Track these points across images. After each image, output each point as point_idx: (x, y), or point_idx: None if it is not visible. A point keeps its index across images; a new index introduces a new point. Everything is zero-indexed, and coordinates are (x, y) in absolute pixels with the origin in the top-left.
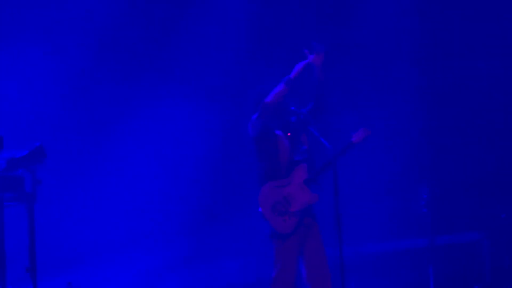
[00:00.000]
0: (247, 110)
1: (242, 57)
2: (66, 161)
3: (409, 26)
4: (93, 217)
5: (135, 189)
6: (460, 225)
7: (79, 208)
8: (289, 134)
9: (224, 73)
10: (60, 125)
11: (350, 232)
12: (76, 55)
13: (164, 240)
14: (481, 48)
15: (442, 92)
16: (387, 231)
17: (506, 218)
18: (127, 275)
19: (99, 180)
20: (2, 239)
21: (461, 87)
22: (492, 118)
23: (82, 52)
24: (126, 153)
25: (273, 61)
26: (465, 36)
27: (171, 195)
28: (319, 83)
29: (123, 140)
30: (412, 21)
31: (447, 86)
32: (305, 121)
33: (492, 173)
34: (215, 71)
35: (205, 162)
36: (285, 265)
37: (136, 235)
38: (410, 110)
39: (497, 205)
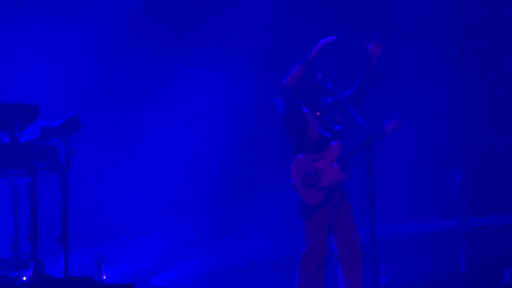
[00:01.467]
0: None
1: (280, 28)
2: (100, 132)
3: (444, 6)
4: (125, 189)
5: (166, 162)
6: (493, 207)
7: (111, 180)
8: (318, 113)
9: (261, 43)
10: (95, 96)
11: (382, 211)
12: (111, 24)
13: (195, 214)
14: None
15: (479, 72)
16: (420, 211)
17: None
18: (157, 248)
19: (131, 153)
20: (35, 208)
21: (498, 66)
22: None
23: (117, 21)
24: (158, 126)
25: (311, 34)
26: (504, 14)
27: (201, 169)
28: (371, 73)
29: (156, 112)
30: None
31: (484, 65)
32: (342, 100)
33: None
34: (251, 41)
35: (236, 135)
36: (315, 241)
37: (167, 209)
38: (447, 90)
39: None
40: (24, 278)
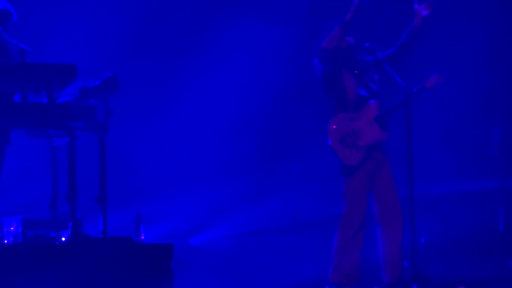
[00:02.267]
0: (312, 47)
1: None
2: (138, 92)
3: None
4: (163, 150)
5: (203, 123)
6: None
7: (149, 140)
8: (356, 72)
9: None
10: (134, 56)
11: (421, 171)
12: None
13: (233, 174)
14: None
15: None
16: (459, 172)
17: None
18: (195, 208)
19: (169, 113)
20: (74, 168)
21: None
22: None
23: None
24: (195, 87)
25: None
26: None
27: (241, 128)
28: (416, 34)
29: (196, 71)
30: None
31: None
32: (381, 60)
33: None
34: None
35: (271, 95)
36: (354, 201)
37: (205, 169)
38: (486, 49)
39: None
40: (63, 238)
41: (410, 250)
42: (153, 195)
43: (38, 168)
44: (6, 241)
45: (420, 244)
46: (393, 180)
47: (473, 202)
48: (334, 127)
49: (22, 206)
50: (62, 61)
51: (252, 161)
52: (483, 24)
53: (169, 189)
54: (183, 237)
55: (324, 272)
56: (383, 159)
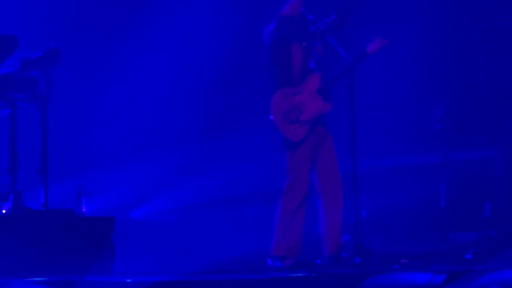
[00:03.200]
0: (260, 18)
1: None
2: (80, 63)
3: None
4: (104, 122)
5: (145, 94)
6: (473, 142)
7: (90, 112)
8: (304, 43)
9: None
10: (76, 26)
11: (363, 145)
12: None
13: (175, 147)
14: None
15: (460, 6)
16: (401, 145)
17: None
18: (137, 181)
19: (110, 85)
20: (15, 140)
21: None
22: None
23: None
24: (139, 59)
25: None
26: None
27: (182, 100)
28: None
29: (136, 43)
30: None
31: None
32: (323, 31)
33: (508, 90)
34: None
35: (217, 70)
36: (298, 174)
37: (146, 142)
38: (427, 23)
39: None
40: (4, 211)
41: (352, 223)
42: (94, 167)
43: None
44: None
45: (362, 217)
46: (334, 154)
47: (415, 176)
48: (276, 103)
49: None
50: (3, 32)
51: (194, 134)
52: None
53: (110, 162)
54: (124, 210)
55: (267, 245)
56: (326, 132)
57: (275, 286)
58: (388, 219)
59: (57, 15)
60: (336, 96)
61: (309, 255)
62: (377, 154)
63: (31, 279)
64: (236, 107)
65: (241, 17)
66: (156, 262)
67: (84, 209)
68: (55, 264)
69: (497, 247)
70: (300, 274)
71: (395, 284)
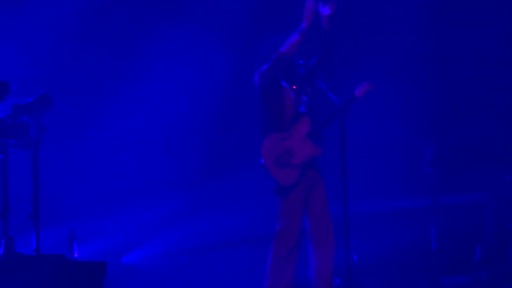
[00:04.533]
0: (253, 61)
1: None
2: (72, 110)
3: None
4: (96, 167)
5: (139, 141)
6: (465, 185)
7: (82, 158)
8: (294, 87)
9: (238, 18)
10: (66, 73)
11: (354, 189)
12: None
13: (167, 193)
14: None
15: (451, 50)
16: (392, 189)
17: (511, 179)
18: (128, 226)
19: (103, 130)
20: (6, 185)
21: (470, 45)
22: (500, 78)
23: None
24: (131, 103)
25: (281, 14)
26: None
27: (174, 147)
28: (327, 35)
29: (128, 91)
30: None
31: (456, 44)
32: (312, 74)
33: (498, 134)
34: (228, 14)
35: (209, 114)
36: (290, 219)
37: (138, 186)
38: (418, 67)
39: (502, 167)
40: None
41: (344, 267)
42: (86, 212)
43: None
44: None
45: (353, 261)
46: (325, 197)
47: (406, 220)
48: (267, 148)
49: None
50: None
51: (185, 179)
52: (415, 35)
53: (102, 207)
54: (116, 255)
55: None
56: (317, 176)
57: None
58: (380, 262)
59: (48, 60)
60: (326, 140)
61: None
62: (368, 198)
63: None
64: (227, 153)
65: (238, 57)
66: None
67: (76, 255)
68: None
69: None
70: None
71: None
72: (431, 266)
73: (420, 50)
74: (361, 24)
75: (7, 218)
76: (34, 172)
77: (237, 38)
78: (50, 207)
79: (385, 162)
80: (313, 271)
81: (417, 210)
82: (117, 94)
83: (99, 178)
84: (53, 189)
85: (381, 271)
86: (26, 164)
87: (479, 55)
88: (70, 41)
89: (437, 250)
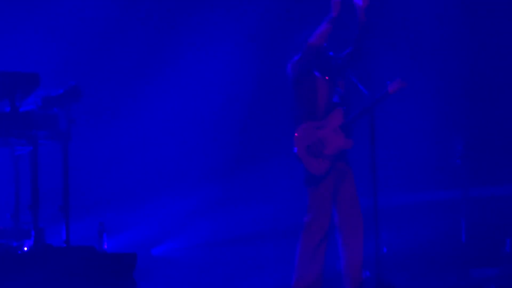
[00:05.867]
0: (284, 52)
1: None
2: (102, 102)
3: None
4: (126, 158)
5: (168, 131)
6: (494, 178)
7: (112, 149)
8: (327, 77)
9: (265, 17)
10: (96, 64)
11: (384, 181)
12: None
13: (197, 184)
14: None
15: (480, 44)
16: (422, 181)
17: None
18: (158, 218)
19: (133, 122)
20: (36, 177)
21: (500, 40)
22: None
23: None
24: (159, 94)
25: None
26: None
27: (205, 139)
28: (362, 27)
29: (157, 80)
30: None
31: (487, 38)
32: (343, 66)
33: None
34: (255, 15)
35: (238, 104)
36: (319, 210)
37: (168, 178)
38: (449, 60)
39: None
40: (26, 248)
41: (373, 260)
42: (116, 204)
43: (0, 177)
44: None
45: (383, 254)
46: (355, 189)
47: (436, 212)
48: (300, 136)
49: None
50: (25, 70)
51: (215, 171)
52: (446, 30)
53: (132, 199)
54: (146, 247)
55: (288, 282)
56: (347, 168)
57: None
58: (409, 255)
59: (78, 53)
60: (357, 132)
61: None
62: (398, 190)
63: None
64: (255, 145)
65: (269, 50)
66: None
67: (105, 246)
68: None
69: None
70: None
71: None
72: (461, 259)
73: (450, 44)
74: (392, 19)
75: (38, 210)
76: (64, 164)
77: (263, 34)
78: (80, 199)
79: (415, 155)
80: (343, 263)
81: (447, 202)
82: (146, 88)
83: (128, 170)
84: (83, 181)
85: (411, 263)
86: (56, 156)
87: (509, 48)
88: (99, 34)
89: (467, 242)
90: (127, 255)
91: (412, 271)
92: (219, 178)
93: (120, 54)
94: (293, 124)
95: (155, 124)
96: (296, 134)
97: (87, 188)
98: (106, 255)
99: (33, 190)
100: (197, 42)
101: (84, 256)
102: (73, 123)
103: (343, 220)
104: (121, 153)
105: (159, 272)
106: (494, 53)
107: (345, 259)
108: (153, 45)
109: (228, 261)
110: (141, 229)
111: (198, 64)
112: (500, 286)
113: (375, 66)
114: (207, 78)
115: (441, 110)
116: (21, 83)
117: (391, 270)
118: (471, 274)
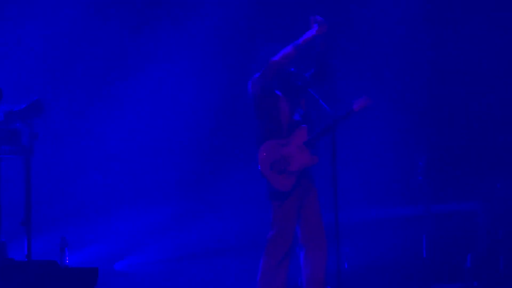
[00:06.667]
0: (248, 70)
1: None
2: (64, 116)
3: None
4: (88, 173)
5: (132, 148)
6: (456, 194)
7: (74, 164)
8: (288, 96)
9: (226, 35)
10: (58, 80)
11: (346, 197)
12: (75, 7)
13: (160, 199)
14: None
15: (442, 60)
16: (383, 197)
17: (502, 188)
18: (121, 232)
19: (94, 137)
20: None
21: (463, 55)
22: (491, 86)
23: (81, 3)
24: (122, 109)
25: (275, 27)
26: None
27: (168, 153)
28: (322, 51)
29: (120, 97)
30: None
31: (449, 54)
32: (305, 84)
33: (489, 143)
34: (217, 31)
35: (203, 120)
36: (283, 225)
37: (130, 193)
38: (410, 76)
39: (493, 175)
40: None
41: (334, 275)
42: (78, 219)
43: None
44: None
45: (344, 269)
46: (319, 206)
47: (398, 228)
48: (264, 153)
49: None
50: None
51: (179, 186)
52: (406, 45)
53: (94, 213)
54: (108, 262)
55: None
56: (311, 185)
57: None
58: (371, 270)
59: (40, 67)
60: (319, 148)
61: None
62: (359, 206)
63: None
64: (220, 159)
65: (231, 68)
66: None
67: (67, 261)
68: None
69: None
70: None
71: None
72: (423, 274)
73: (411, 59)
74: (352, 35)
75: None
76: (27, 178)
77: (233, 42)
78: (42, 214)
79: (377, 170)
80: (305, 278)
81: (408, 218)
82: (110, 100)
83: (91, 185)
84: (45, 195)
85: (372, 279)
86: (18, 171)
87: (471, 65)
88: (62, 47)
89: (428, 258)
90: (88, 269)
91: (374, 286)
92: (182, 192)
93: (82, 68)
94: (256, 141)
95: (117, 139)
96: (259, 152)
97: (49, 203)
98: (67, 270)
99: None
100: (162, 54)
101: (46, 270)
102: (36, 137)
103: (306, 235)
104: (84, 167)
105: (122, 287)
106: (456, 71)
107: (307, 274)
108: (116, 59)
109: (191, 276)
110: (104, 244)
111: (163, 77)
112: None
113: (336, 83)
114: (173, 92)
115: (403, 127)
116: None
117: (353, 286)
118: None
